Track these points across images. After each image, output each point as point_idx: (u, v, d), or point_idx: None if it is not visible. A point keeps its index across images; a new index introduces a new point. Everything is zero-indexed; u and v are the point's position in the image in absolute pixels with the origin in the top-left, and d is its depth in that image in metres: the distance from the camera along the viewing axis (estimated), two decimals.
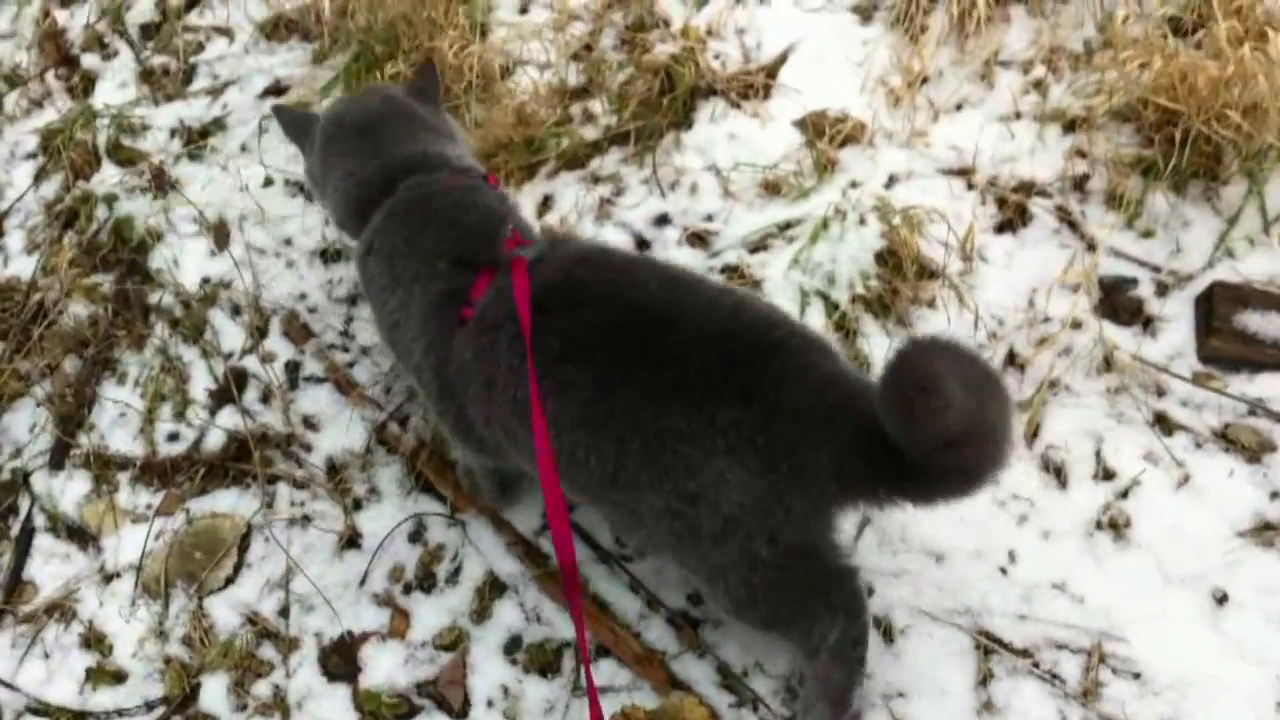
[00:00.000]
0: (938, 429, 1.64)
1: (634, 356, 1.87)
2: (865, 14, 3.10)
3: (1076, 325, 2.50)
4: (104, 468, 2.63)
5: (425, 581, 2.40)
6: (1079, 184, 2.70)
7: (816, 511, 1.89)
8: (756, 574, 1.90)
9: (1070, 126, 2.79)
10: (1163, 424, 2.39)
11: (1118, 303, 2.53)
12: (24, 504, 2.64)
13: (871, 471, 1.80)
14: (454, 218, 2.14)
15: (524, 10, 3.18)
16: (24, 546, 2.58)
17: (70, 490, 2.62)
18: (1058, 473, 2.36)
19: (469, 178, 2.25)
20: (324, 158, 2.34)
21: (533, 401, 1.90)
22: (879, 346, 2.51)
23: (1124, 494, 2.32)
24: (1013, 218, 2.68)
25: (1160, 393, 2.43)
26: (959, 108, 2.88)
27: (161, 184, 2.85)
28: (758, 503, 1.82)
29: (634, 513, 1.94)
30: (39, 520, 2.61)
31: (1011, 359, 2.49)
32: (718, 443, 1.80)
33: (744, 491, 1.81)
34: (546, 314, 1.93)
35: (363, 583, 2.41)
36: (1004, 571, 2.26)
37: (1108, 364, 2.45)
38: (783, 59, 3.01)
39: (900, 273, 2.57)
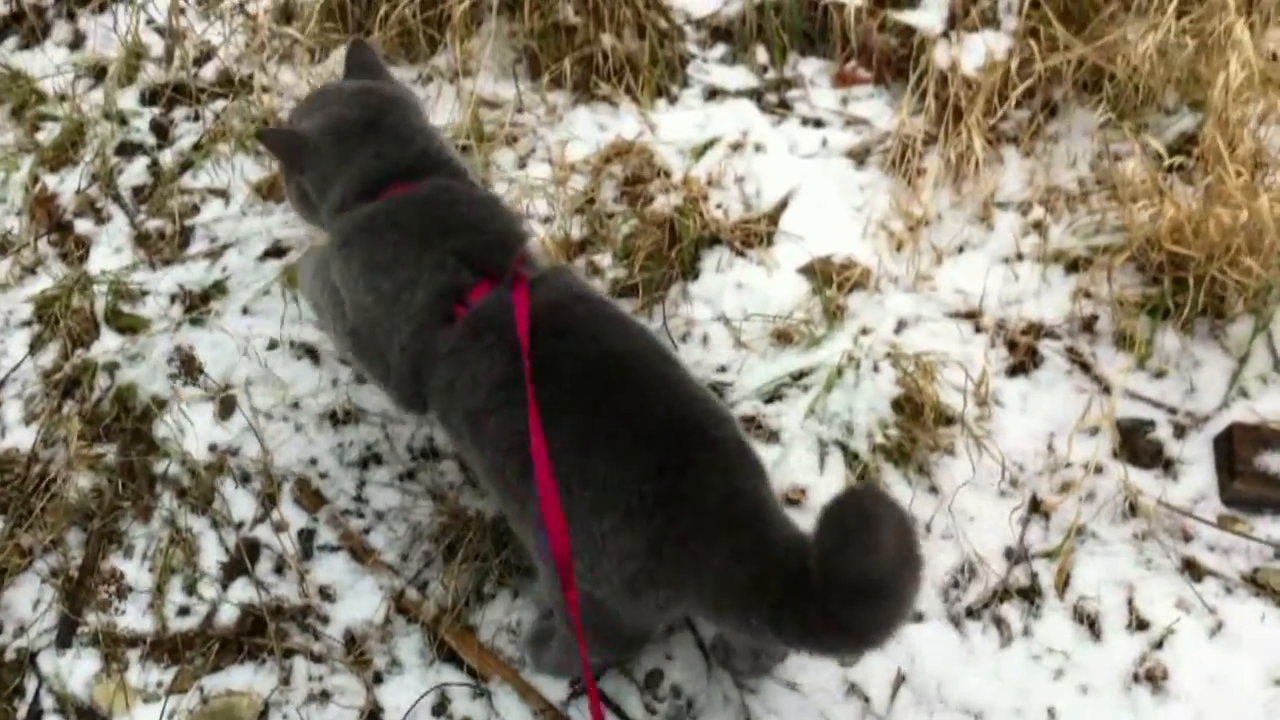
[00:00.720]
0: (862, 567, 1.65)
1: (588, 396, 1.94)
2: (859, 158, 3.14)
3: (1098, 470, 2.50)
4: (113, 645, 2.56)
5: None
6: (1087, 325, 2.72)
7: (665, 610, 1.98)
8: (585, 604, 1.97)
9: (1073, 266, 2.82)
10: (1192, 570, 2.40)
11: (1137, 446, 2.54)
12: (31, 685, 2.55)
13: (752, 595, 1.80)
14: (477, 223, 2.21)
15: (522, 165, 3.20)
16: None
17: (79, 669, 2.54)
18: (1091, 624, 2.35)
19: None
20: (337, 154, 2.32)
21: (532, 425, 1.93)
22: (902, 496, 2.50)
23: (1159, 644, 2.32)
24: (1024, 360, 2.70)
25: (1187, 537, 2.43)
26: (961, 250, 2.91)
27: (192, 370, 2.81)
28: (624, 579, 1.89)
29: (522, 518, 2.04)
30: (47, 702, 2.52)
31: (1035, 506, 2.49)
32: (620, 502, 1.85)
33: (619, 561, 1.88)
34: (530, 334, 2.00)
35: None
36: None
37: (1133, 509, 2.45)
38: (783, 205, 3.03)
39: (918, 420, 2.57)
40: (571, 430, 1.92)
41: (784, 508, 1.95)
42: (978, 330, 2.76)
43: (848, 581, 1.67)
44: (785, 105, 3.30)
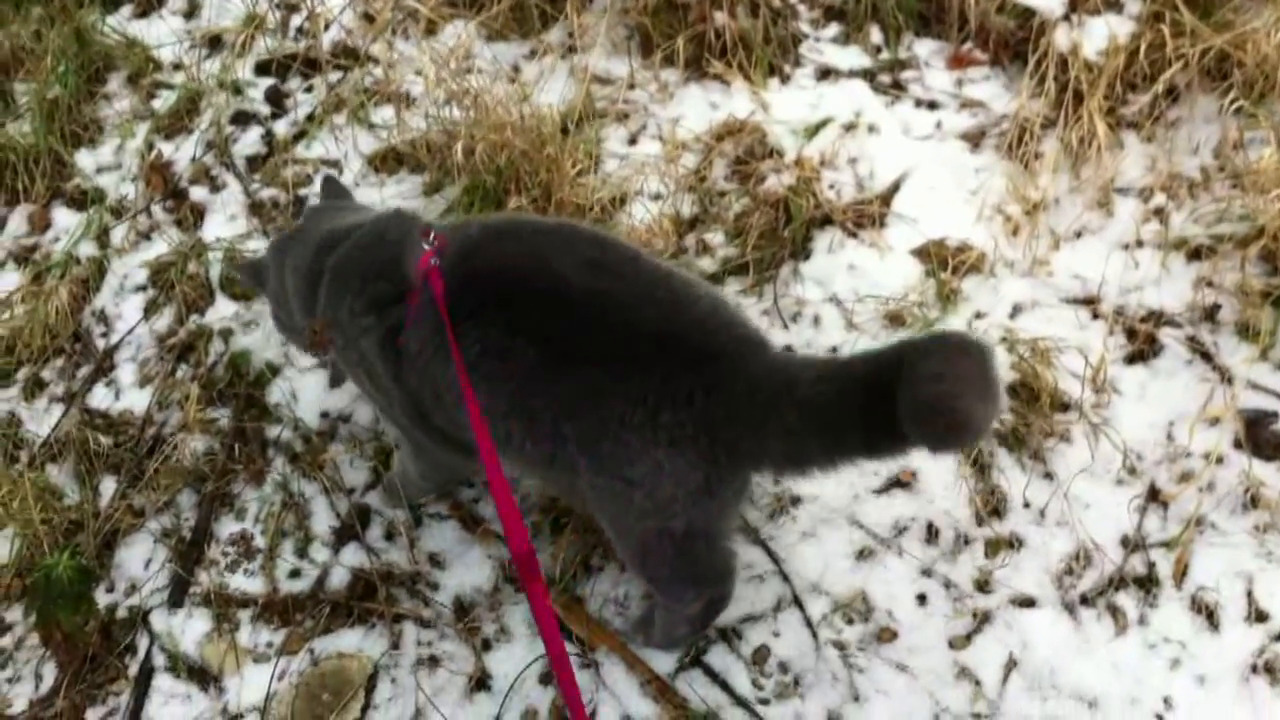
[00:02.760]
0: (954, 437, 1.80)
1: (571, 346, 2.00)
2: (974, 141, 3.10)
3: (1219, 460, 2.45)
4: (224, 606, 2.59)
5: None
6: (1209, 314, 2.67)
7: (736, 503, 2.14)
8: (663, 546, 2.09)
9: (1195, 255, 2.77)
10: None
11: (1260, 437, 2.49)
12: (142, 643, 2.59)
13: (824, 444, 1.93)
14: (366, 263, 2.24)
15: (633, 141, 3.20)
16: (143, 687, 2.54)
17: (190, 629, 2.58)
18: (1209, 615, 2.30)
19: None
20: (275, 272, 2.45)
21: (467, 398, 2.03)
22: (1016, 482, 2.48)
23: (1278, 637, 2.26)
24: (1143, 348, 2.66)
25: None
26: (1079, 235, 2.87)
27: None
28: (690, 492, 1.99)
29: (572, 485, 2.12)
30: (158, 659, 2.56)
31: (1154, 495, 2.45)
32: (660, 435, 1.94)
33: (679, 481, 1.98)
34: (474, 313, 2.06)
35: None
36: (1160, 718, 2.20)
37: (1254, 501, 2.41)
38: (896, 188, 3.01)
39: (1034, 406, 2.54)
40: (582, 383, 1.99)
41: None
42: (1095, 317, 2.72)
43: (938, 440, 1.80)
44: (899, 86, 3.27)
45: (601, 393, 1.97)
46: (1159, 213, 2.86)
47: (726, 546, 2.19)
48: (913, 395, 1.71)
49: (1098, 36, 3.06)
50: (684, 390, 1.94)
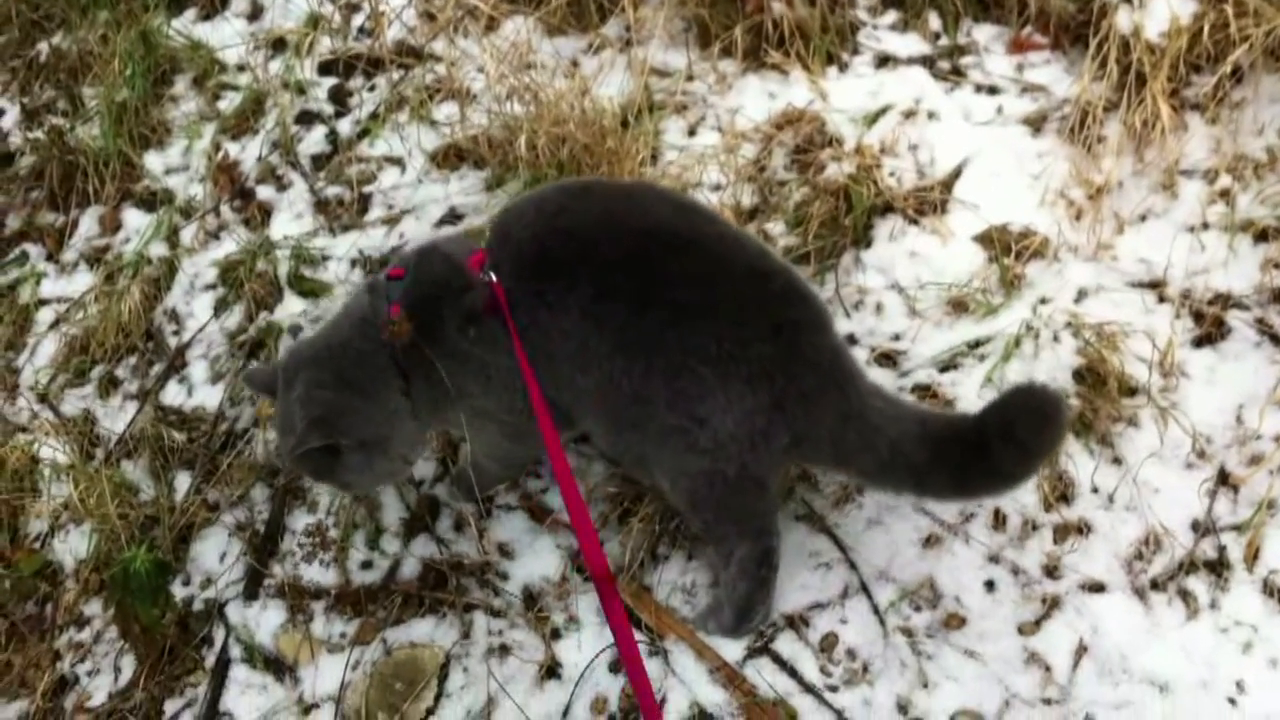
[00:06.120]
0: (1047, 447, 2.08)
1: (658, 281, 2.08)
2: (1036, 126, 3.09)
3: None
4: (298, 597, 2.63)
5: (630, 714, 2.36)
6: (1277, 295, 2.65)
7: (787, 454, 2.18)
8: (715, 488, 2.17)
9: (1262, 236, 2.74)
10: None
11: None
12: (219, 635, 2.64)
13: (861, 448, 2.12)
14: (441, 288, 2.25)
15: (692, 132, 3.21)
16: (220, 678, 2.58)
17: (265, 620, 2.62)
18: None
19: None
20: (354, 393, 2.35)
21: (536, 407, 2.14)
22: (1084, 467, 2.47)
23: None
24: (1211, 331, 2.64)
25: None
26: (1143, 219, 2.86)
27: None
28: (749, 433, 2.08)
29: (644, 431, 2.16)
30: (235, 651, 2.61)
31: (1224, 478, 2.43)
32: (741, 369, 2.03)
33: (743, 420, 2.06)
34: (560, 272, 2.13)
35: (565, 715, 2.38)
36: (1233, 702, 2.19)
37: None
38: (957, 174, 3.00)
39: (1101, 391, 2.53)
40: (669, 314, 2.06)
41: None
42: (1161, 300, 2.70)
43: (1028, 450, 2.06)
44: (959, 72, 3.26)
45: (691, 321, 2.05)
46: (1224, 194, 2.83)
47: (771, 496, 2.27)
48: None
49: (1160, 18, 3.03)
50: (772, 321, 2.06)
